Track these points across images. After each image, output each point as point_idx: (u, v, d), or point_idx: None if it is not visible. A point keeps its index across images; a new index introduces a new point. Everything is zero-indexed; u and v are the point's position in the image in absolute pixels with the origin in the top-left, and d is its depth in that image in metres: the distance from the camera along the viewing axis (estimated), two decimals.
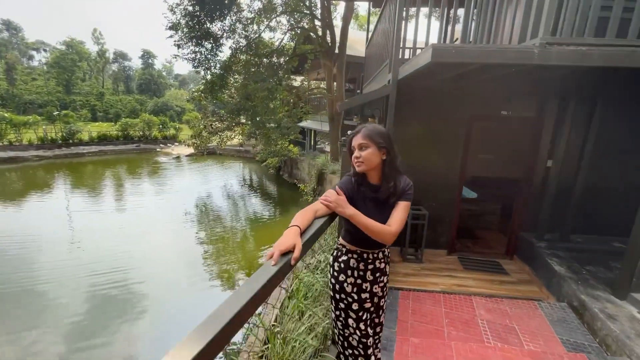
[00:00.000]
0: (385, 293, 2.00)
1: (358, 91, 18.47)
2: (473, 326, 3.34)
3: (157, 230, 13.08)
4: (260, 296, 0.94)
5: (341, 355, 2.01)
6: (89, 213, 14.79)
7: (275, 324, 2.72)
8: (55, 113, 31.56)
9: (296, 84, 12.31)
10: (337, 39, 11.32)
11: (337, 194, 1.68)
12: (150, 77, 62.12)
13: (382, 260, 1.89)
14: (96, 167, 25.28)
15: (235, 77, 11.70)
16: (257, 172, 26.56)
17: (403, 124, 4.69)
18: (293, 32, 11.47)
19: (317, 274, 3.38)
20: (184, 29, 9.71)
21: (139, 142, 32.83)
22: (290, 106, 11.31)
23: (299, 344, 2.31)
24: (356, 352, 1.91)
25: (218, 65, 10.49)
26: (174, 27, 9.75)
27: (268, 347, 2.36)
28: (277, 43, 11.46)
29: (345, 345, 1.96)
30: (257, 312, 1.45)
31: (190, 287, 8.89)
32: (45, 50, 65.84)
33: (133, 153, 31.31)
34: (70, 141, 28.40)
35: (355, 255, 1.85)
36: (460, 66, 3.04)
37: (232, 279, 9.25)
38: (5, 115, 25.14)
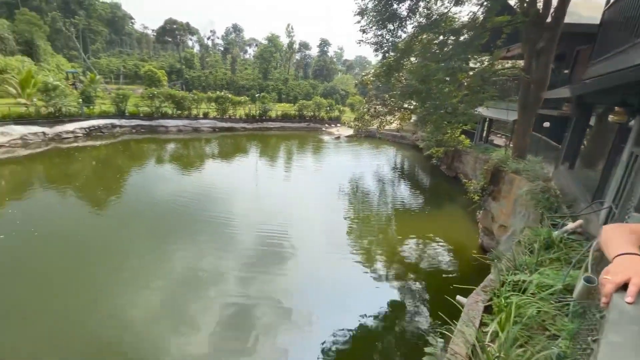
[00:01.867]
0: None
1: (566, 71, 14.27)
2: None
3: (312, 199, 14.97)
4: None
5: None
6: (267, 175, 18.57)
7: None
8: (257, 95, 40.51)
9: (481, 64, 10.62)
10: (554, 2, 8.87)
11: None
12: (323, 64, 69.84)
13: None
14: (277, 139, 31.16)
15: (412, 59, 11.28)
16: (411, 160, 25.73)
17: None
18: (487, 2, 9.77)
19: None
20: (372, 13, 10.05)
21: (309, 122, 37.95)
22: (471, 90, 9.90)
23: None
24: None
25: (398, 48, 10.36)
26: (362, 12, 10.26)
27: None
28: (465, 17, 10.13)
29: None
30: None
31: (328, 255, 9.72)
32: (255, 45, 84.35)
33: (304, 130, 36.61)
34: (263, 117, 36.00)
35: None
36: None
37: (371, 260, 9.47)
38: (229, 96, 34.29)
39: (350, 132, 32.15)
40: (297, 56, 76.58)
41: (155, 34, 72.94)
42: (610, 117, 4.17)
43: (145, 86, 43.44)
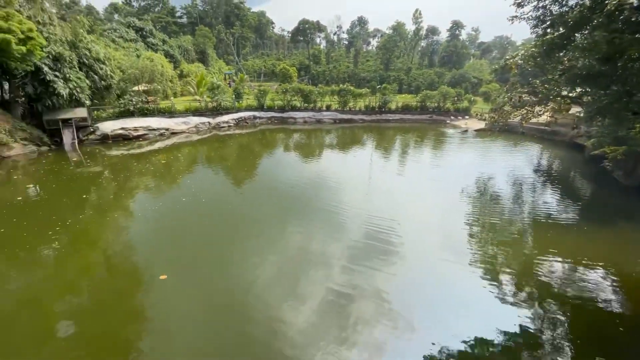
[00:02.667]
0: None
1: None
2: None
3: (428, 198, 13.77)
4: None
5: None
6: (381, 168, 18.16)
7: None
8: (377, 87, 40.22)
9: None
10: None
11: None
12: (453, 49, 63.09)
13: None
14: (395, 132, 30.21)
15: (587, 34, 8.69)
16: (565, 161, 20.56)
17: None
18: None
19: None
20: None
21: (432, 114, 35.20)
22: None
23: None
24: None
25: (568, 19, 8.16)
26: None
27: None
28: None
29: None
30: None
31: (442, 261, 8.66)
32: (380, 36, 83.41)
33: (425, 123, 34.27)
34: (383, 109, 35.51)
35: None
36: None
37: (494, 275, 7.97)
38: (351, 88, 35.27)
39: (482, 125, 28.15)
40: (423, 43, 71.66)
41: (290, 34, 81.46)
42: None
43: (280, 82, 49.41)
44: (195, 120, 27.33)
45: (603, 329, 4.59)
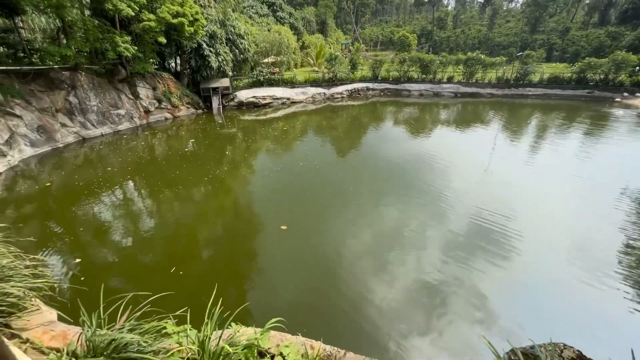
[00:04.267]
0: None
1: None
2: None
3: (564, 196, 11.01)
4: None
5: None
6: (504, 153, 15.40)
7: None
8: (518, 54, 33.47)
9: None
10: None
11: None
12: None
13: None
14: (533, 110, 24.91)
15: None
16: None
17: None
18: None
19: None
20: None
21: (594, 88, 27.38)
22: None
23: None
24: None
25: None
26: None
27: None
28: None
29: None
30: None
31: (573, 276, 6.91)
32: None
33: (581, 100, 27.07)
34: (520, 82, 29.63)
35: None
36: None
37: None
38: (481, 56, 30.47)
39: None
40: None
41: None
42: None
43: (397, 51, 46.76)
44: (312, 90, 29.01)
45: None
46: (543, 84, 29.04)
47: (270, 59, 30.94)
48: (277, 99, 26.95)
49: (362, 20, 76.85)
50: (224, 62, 24.10)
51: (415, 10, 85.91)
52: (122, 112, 18.97)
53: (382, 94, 31.81)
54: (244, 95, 26.18)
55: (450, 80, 31.46)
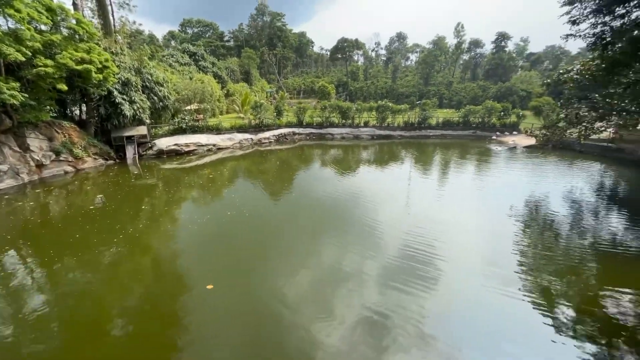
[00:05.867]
0: None
1: None
2: None
3: (470, 219, 12.99)
4: None
5: None
6: (419, 186, 17.61)
7: None
8: (417, 102, 39.67)
9: None
10: None
11: None
12: (499, 61, 60.46)
13: None
14: (435, 148, 29.35)
15: None
16: (632, 182, 18.45)
17: None
18: None
19: None
20: None
21: (476, 129, 33.74)
22: None
23: None
24: None
25: (634, 35, 7.56)
26: (573, 1, 8.12)
27: None
28: None
29: None
30: None
31: (485, 288, 8.04)
32: (419, 51, 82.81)
33: (468, 139, 32.90)
34: (422, 125, 34.81)
35: None
36: None
37: (551, 307, 7.25)
38: (389, 104, 35.19)
39: (532, 141, 26.36)
40: (466, 56, 69.67)
41: (328, 53, 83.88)
42: None
43: (318, 99, 50.82)
44: (239, 136, 29.00)
45: None
46: (439, 127, 34.64)
47: (193, 106, 30.32)
48: (202, 145, 26.09)
49: (284, 71, 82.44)
50: (140, 110, 22.70)
51: (332, 64, 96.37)
52: (3, 167, 15.85)
53: (308, 137, 33.56)
54: (165, 143, 24.68)
55: (366, 124, 35.16)
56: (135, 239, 10.63)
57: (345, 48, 71.46)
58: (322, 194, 15.55)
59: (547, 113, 30.77)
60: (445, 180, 19.05)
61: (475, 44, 66.52)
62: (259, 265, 9.05)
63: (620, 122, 13.45)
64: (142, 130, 23.35)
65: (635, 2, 7.34)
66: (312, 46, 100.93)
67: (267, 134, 31.08)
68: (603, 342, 6.45)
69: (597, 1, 7.70)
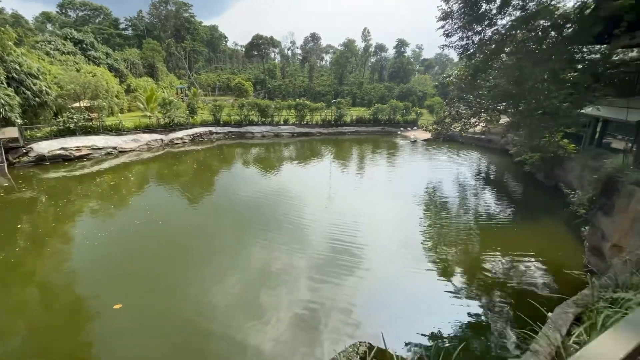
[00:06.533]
0: None
1: None
2: None
3: (384, 206, 14.73)
4: None
5: None
6: (339, 179, 18.96)
7: None
8: (332, 101, 41.80)
9: (593, 56, 9.08)
10: None
11: None
12: (400, 65, 67.90)
13: None
14: (351, 143, 31.61)
15: (503, 60, 10.34)
16: (500, 166, 23.24)
17: None
18: None
19: None
20: (457, 15, 9.64)
21: (384, 125, 37.44)
22: (578, 87, 8.58)
23: None
24: None
25: (486, 49, 9.66)
26: (446, 16, 9.91)
27: None
28: (574, 6, 8.82)
29: None
30: None
31: (402, 269, 9.37)
32: (332, 52, 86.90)
33: (378, 134, 36.31)
34: (338, 122, 36.94)
35: None
36: None
37: (449, 275, 8.93)
38: (307, 103, 36.25)
39: (428, 135, 30.65)
40: (373, 59, 76.18)
41: (244, 49, 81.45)
42: None
43: (236, 97, 49.02)
44: (145, 137, 26.03)
45: (538, 309, 5.43)
46: (354, 124, 37.31)
47: (83, 103, 25.90)
48: (99, 149, 22.56)
49: (196, 66, 76.74)
50: (6, 107, 18.37)
51: (248, 61, 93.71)
52: None
53: (226, 137, 32.20)
54: (47, 147, 20.53)
55: (286, 122, 35.53)
56: (12, 267, 8.75)
57: (260, 45, 70.37)
58: (245, 194, 15.28)
59: (437, 111, 36.22)
60: (361, 172, 20.81)
61: (381, 48, 73.39)
62: (176, 276, 8.49)
63: (488, 118, 16.66)
64: (10, 132, 18.95)
65: (487, 22, 9.45)
66: (226, 41, 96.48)
67: (180, 133, 28.64)
68: (484, 298, 8.11)
69: (461, 19, 9.64)
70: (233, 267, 8.98)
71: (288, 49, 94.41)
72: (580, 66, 8.98)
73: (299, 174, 20.27)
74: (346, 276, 8.69)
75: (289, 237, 10.85)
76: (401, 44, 69.10)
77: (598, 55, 9.91)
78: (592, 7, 8.71)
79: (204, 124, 32.16)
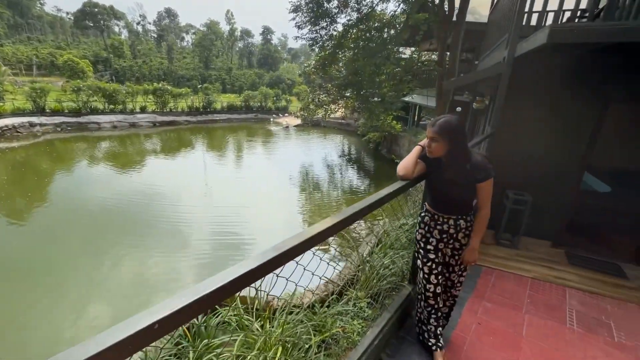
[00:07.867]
0: (457, 258, 2.35)
1: (477, 62, 16.63)
2: (558, 310, 3.29)
3: (264, 190, 15.49)
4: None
5: (419, 297, 2.54)
6: (216, 170, 18.51)
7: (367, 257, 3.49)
8: (199, 86, 38.85)
9: (406, 56, 12.00)
10: (457, 4, 10.44)
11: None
12: (268, 52, 68.72)
13: (452, 227, 2.25)
14: (224, 132, 30.60)
15: (345, 53, 12.31)
16: (357, 146, 27.41)
17: (515, 106, 4.45)
18: (407, 1, 11.09)
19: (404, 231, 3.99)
20: (305, 10, 10.77)
21: (257, 112, 37.69)
22: (397, 80, 11.24)
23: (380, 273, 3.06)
24: (426, 296, 2.40)
25: (331, 43, 11.27)
26: (296, 9, 10.92)
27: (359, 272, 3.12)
28: (389, 15, 11.35)
29: (420, 289, 2.48)
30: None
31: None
32: (193, 33, 79.46)
33: (251, 121, 36.32)
34: (208, 110, 34.84)
35: (429, 214, 2.33)
36: (585, 46, 2.84)
37: (326, 242, 10.47)
38: (168, 87, 32.46)
39: (299, 121, 32.87)
40: (240, 44, 74.13)
41: (72, 17, 64.51)
42: (474, 104, 5.56)
43: (67, 78, 38.97)
44: None
45: None
46: (225, 111, 35.99)
47: None
48: None
49: None
50: None
51: (80, 33, 74.57)
52: None
53: (59, 129, 25.52)
54: None
55: (144, 110, 30.96)
56: None
57: (97, 15, 57.33)
58: (99, 200, 12.67)
59: (303, 97, 39.09)
60: (239, 161, 20.69)
61: (247, 33, 72.01)
62: (17, 315, 6.71)
63: (343, 104, 19.30)
64: None
65: (329, 20, 11.07)
66: (42, 4, 73.86)
67: None
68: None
69: (309, 14, 10.91)
70: (92, 292, 7.55)
71: (138, 24, 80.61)
72: (403, 63, 11.78)
73: (169, 168, 18.37)
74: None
75: (166, 242, 9.60)
76: (267, 31, 69.75)
77: (415, 55, 13.06)
78: (405, 17, 11.42)
79: (18, 113, 24.44)
